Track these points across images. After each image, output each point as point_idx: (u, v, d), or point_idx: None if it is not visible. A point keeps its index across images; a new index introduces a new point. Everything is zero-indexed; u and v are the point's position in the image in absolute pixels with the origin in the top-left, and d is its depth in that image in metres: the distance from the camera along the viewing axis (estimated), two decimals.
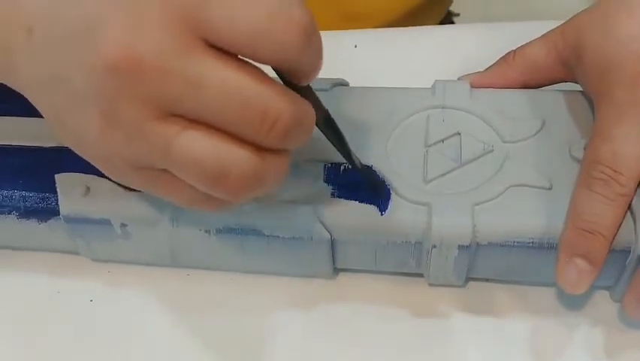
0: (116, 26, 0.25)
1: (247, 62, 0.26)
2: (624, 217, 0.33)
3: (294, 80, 0.28)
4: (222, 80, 0.25)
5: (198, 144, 0.26)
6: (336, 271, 0.39)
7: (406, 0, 0.59)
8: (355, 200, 0.36)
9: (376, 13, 0.58)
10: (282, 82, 0.28)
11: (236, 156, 0.26)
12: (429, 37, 0.51)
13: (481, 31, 0.51)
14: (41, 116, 0.30)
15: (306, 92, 0.29)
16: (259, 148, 0.27)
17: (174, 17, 0.25)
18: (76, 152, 0.30)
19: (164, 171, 0.28)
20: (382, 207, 0.35)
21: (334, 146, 0.33)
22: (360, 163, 0.35)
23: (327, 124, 0.32)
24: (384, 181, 0.36)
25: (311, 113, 0.28)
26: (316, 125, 0.31)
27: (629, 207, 0.34)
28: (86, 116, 0.27)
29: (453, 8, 0.74)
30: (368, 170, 0.36)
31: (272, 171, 0.28)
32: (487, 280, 0.38)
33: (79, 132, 0.28)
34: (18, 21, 0.28)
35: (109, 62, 0.25)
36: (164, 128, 0.26)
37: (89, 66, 0.26)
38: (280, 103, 0.26)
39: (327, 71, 0.42)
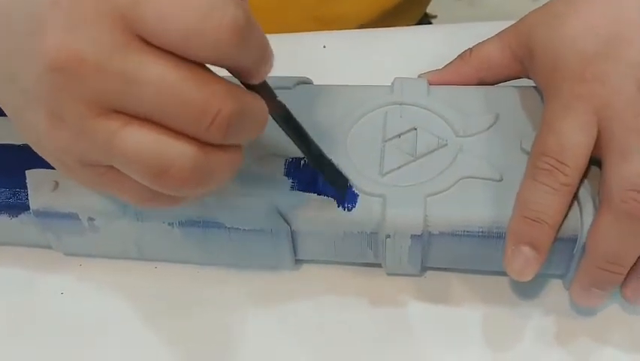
0: (55, 26, 0.26)
1: (186, 58, 0.27)
2: (570, 207, 0.35)
3: (243, 79, 0.29)
4: (160, 76, 0.26)
5: (139, 139, 0.27)
6: (298, 262, 0.40)
7: (379, 3, 0.61)
8: (314, 193, 0.37)
9: (350, 16, 0.60)
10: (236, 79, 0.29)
11: (177, 151, 0.27)
12: (395, 37, 0.53)
13: (446, 32, 0.52)
14: None
15: (261, 89, 0.30)
16: (203, 143, 0.27)
17: (110, 16, 0.26)
18: (34, 149, 0.31)
19: (111, 168, 0.29)
20: (342, 202, 0.36)
21: (294, 142, 0.34)
22: (325, 158, 0.35)
23: (286, 120, 0.33)
24: (346, 178, 0.37)
25: (258, 105, 0.29)
26: (275, 121, 0.32)
27: (576, 196, 0.35)
28: (36, 114, 0.28)
29: (431, 10, 0.75)
30: (330, 166, 0.36)
31: (218, 167, 0.28)
32: (443, 269, 0.39)
33: (31, 130, 0.29)
34: None
35: (50, 62, 0.26)
36: (105, 124, 0.27)
37: (33, 65, 0.27)
38: (220, 98, 0.26)
39: (296, 70, 0.43)
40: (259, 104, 0.29)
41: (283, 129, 0.33)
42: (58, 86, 0.26)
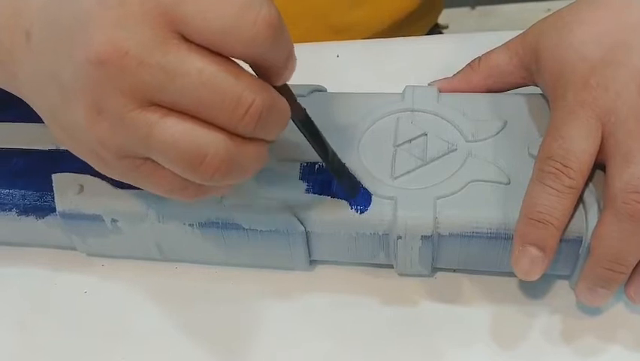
0: (101, 24, 0.27)
1: (222, 54, 0.28)
2: (576, 209, 0.36)
3: (269, 78, 0.30)
4: (198, 70, 0.28)
5: (176, 129, 0.28)
6: (313, 263, 0.41)
7: (390, 13, 0.62)
8: (328, 196, 0.38)
9: (361, 25, 0.61)
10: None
11: (213, 140, 0.29)
12: (406, 46, 0.54)
13: (456, 41, 0.53)
14: (38, 122, 0.33)
15: (283, 91, 0.31)
16: (235, 135, 0.29)
17: (153, 13, 0.27)
18: (68, 148, 0.33)
19: (147, 159, 0.31)
20: (353, 203, 0.38)
21: (311, 145, 0.35)
22: (340, 162, 0.37)
23: (305, 123, 0.34)
24: (358, 182, 0.38)
25: (284, 103, 0.31)
26: (294, 123, 0.33)
27: (581, 199, 0.36)
28: (75, 109, 0.29)
29: (442, 21, 0.77)
30: (344, 170, 0.38)
31: (247, 157, 0.30)
32: (453, 270, 0.40)
33: (69, 126, 0.31)
34: (17, 27, 0.31)
35: (94, 56, 0.27)
36: (145, 116, 0.28)
37: (76, 61, 0.28)
38: (253, 91, 0.28)
39: (311, 79, 0.45)
40: (284, 103, 0.31)
41: (301, 131, 0.34)
42: (100, 79, 0.28)
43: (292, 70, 0.31)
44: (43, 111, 0.32)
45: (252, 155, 0.31)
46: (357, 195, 0.38)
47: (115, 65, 0.27)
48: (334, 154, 0.36)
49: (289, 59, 0.30)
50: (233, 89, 0.28)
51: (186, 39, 0.28)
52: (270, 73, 0.30)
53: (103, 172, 0.33)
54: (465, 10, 1.18)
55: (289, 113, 0.31)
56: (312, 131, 0.35)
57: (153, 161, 0.30)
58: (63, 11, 0.29)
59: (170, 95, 0.28)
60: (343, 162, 0.39)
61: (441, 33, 0.76)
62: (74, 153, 0.33)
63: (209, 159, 0.29)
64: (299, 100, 0.33)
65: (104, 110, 0.29)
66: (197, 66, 0.28)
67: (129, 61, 0.27)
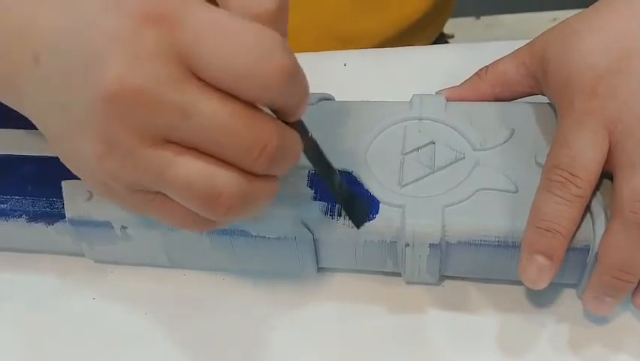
0: (115, 59, 0.27)
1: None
2: (583, 217, 0.36)
3: (282, 116, 0.30)
4: (213, 112, 0.27)
5: (191, 169, 0.28)
6: (320, 270, 0.42)
7: (396, 23, 0.62)
8: (336, 204, 0.39)
9: (368, 35, 0.62)
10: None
11: (227, 179, 0.29)
12: (413, 55, 0.55)
13: (463, 51, 0.54)
14: None
15: (296, 124, 0.31)
16: (248, 173, 0.29)
17: (169, 52, 0.27)
18: (76, 174, 0.32)
19: (159, 193, 0.30)
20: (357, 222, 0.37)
21: (319, 173, 0.35)
22: (348, 191, 0.36)
23: (315, 154, 0.34)
24: (366, 212, 0.38)
25: (297, 141, 0.31)
26: (305, 154, 0.33)
27: (589, 208, 0.36)
28: (85, 142, 0.29)
29: (448, 31, 0.77)
30: (352, 199, 0.36)
31: (260, 195, 0.30)
32: (460, 278, 0.41)
33: (78, 157, 0.30)
34: (25, 48, 0.30)
35: (108, 93, 0.27)
36: (159, 154, 0.28)
37: (89, 95, 0.28)
38: (268, 132, 0.28)
39: (319, 87, 0.45)
40: (297, 140, 0.31)
41: (310, 161, 0.34)
42: (113, 115, 0.28)
43: (304, 110, 0.31)
44: (49, 136, 0.32)
45: (265, 190, 0.31)
46: (362, 225, 0.37)
47: (128, 103, 0.27)
48: (341, 184, 0.36)
49: (302, 102, 0.30)
50: (248, 130, 0.28)
51: (200, 78, 0.28)
52: (283, 112, 0.30)
53: (114, 201, 0.33)
54: (470, 19, 1.19)
55: (300, 149, 0.31)
56: (321, 161, 0.35)
57: (165, 195, 0.30)
58: (76, 41, 0.28)
59: (184, 134, 0.28)
60: (351, 169, 0.39)
61: (446, 42, 0.77)
62: (82, 180, 0.33)
63: (223, 199, 0.29)
64: (307, 108, 0.33)
65: (116, 146, 0.28)
66: (212, 107, 0.28)
67: (143, 99, 0.27)
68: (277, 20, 0.29)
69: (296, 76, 0.28)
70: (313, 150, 0.34)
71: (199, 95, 0.27)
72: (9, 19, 0.31)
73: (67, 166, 0.32)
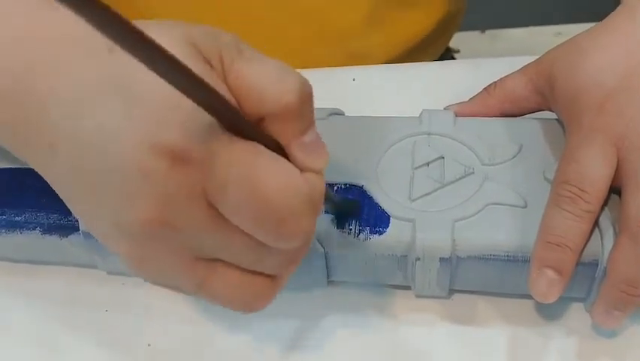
0: (147, 199, 0.27)
1: None
2: (592, 232, 0.37)
3: None
4: (243, 242, 0.29)
5: (226, 284, 0.30)
6: (331, 283, 0.42)
7: (404, 39, 0.63)
8: (347, 217, 0.39)
9: (377, 51, 0.62)
10: None
11: (262, 287, 0.31)
12: (421, 71, 0.55)
13: (471, 66, 0.54)
14: None
15: None
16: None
17: (199, 197, 0.27)
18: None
19: None
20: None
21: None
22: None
23: None
24: (356, 201, 0.39)
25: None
26: None
27: (597, 223, 0.37)
28: (117, 247, 0.29)
29: (454, 45, 0.78)
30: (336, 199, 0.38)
31: (284, 284, 0.33)
32: (469, 291, 0.41)
33: (109, 245, 0.30)
34: (41, 130, 0.28)
35: (140, 223, 0.27)
36: (193, 272, 0.29)
37: (121, 221, 0.28)
38: (295, 255, 0.31)
39: (327, 102, 0.46)
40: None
41: None
42: (144, 243, 0.28)
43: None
44: (73, 210, 0.31)
45: (290, 273, 0.33)
46: (359, 212, 0.39)
47: (164, 236, 0.28)
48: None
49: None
50: (277, 253, 0.30)
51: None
52: None
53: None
54: (475, 33, 1.20)
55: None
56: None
57: None
58: (96, 151, 0.27)
59: (218, 256, 0.30)
60: (361, 183, 0.40)
61: (453, 57, 0.77)
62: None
63: (259, 302, 0.31)
64: (317, 122, 0.34)
65: (148, 263, 0.29)
66: (243, 240, 0.28)
67: (178, 234, 0.28)
68: (300, 113, 0.29)
69: (314, 226, 0.29)
70: None
71: (229, 232, 0.28)
72: (27, 91, 0.29)
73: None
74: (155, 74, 0.23)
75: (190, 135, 0.26)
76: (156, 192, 0.27)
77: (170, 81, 0.23)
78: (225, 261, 0.30)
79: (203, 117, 0.26)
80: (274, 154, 0.28)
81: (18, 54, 0.29)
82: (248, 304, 0.31)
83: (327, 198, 0.36)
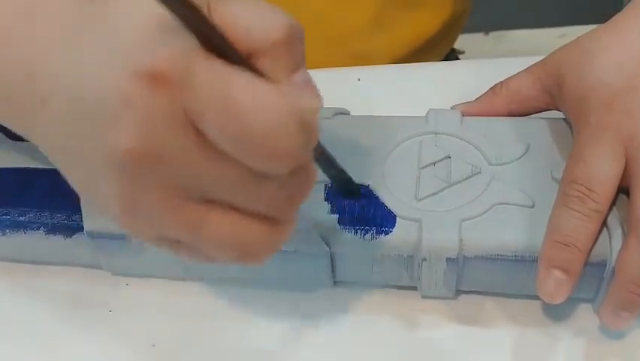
0: (128, 125, 0.26)
1: None
2: (600, 232, 0.36)
3: None
4: (232, 174, 0.27)
5: (222, 227, 0.28)
6: (336, 283, 0.42)
7: (409, 39, 0.63)
8: (353, 217, 0.39)
9: (381, 52, 0.62)
10: None
11: (258, 232, 0.29)
12: (426, 72, 0.55)
13: (477, 66, 0.54)
14: None
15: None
16: (273, 220, 0.29)
17: (181, 118, 0.26)
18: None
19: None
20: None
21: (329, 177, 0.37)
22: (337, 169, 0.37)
23: (324, 160, 0.35)
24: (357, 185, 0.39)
25: (313, 177, 0.30)
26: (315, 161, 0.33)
27: (605, 222, 0.37)
28: (108, 196, 0.28)
29: (459, 46, 0.78)
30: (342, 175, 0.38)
31: (286, 233, 0.30)
32: (476, 292, 0.41)
33: (101, 205, 0.29)
34: (31, 90, 0.29)
35: (125, 159, 0.26)
36: (186, 214, 0.28)
37: (106, 155, 0.27)
38: (293, 190, 0.29)
39: (333, 101, 0.45)
40: (313, 177, 0.30)
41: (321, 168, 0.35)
42: (134, 177, 0.27)
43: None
44: (64, 172, 0.31)
45: (290, 228, 0.31)
46: (358, 193, 0.39)
47: (147, 167, 0.27)
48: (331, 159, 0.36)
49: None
50: (272, 186, 0.28)
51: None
52: None
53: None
54: (479, 35, 1.19)
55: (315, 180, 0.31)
56: (329, 164, 0.36)
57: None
58: (85, 92, 0.27)
59: (207, 194, 0.28)
60: (368, 183, 0.40)
61: (457, 58, 0.77)
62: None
63: (255, 250, 0.29)
64: (323, 122, 0.34)
65: (140, 205, 0.28)
66: (233, 169, 0.27)
67: (161, 164, 0.27)
68: (289, 50, 0.28)
69: (303, 150, 0.27)
70: (322, 157, 0.34)
71: (217, 159, 0.27)
72: (15, 56, 0.30)
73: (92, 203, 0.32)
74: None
75: (170, 58, 0.26)
76: (138, 117, 0.26)
77: None
78: (219, 202, 0.28)
79: (184, 42, 0.26)
80: (254, 75, 0.26)
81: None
82: (245, 250, 0.29)
83: (330, 163, 0.36)
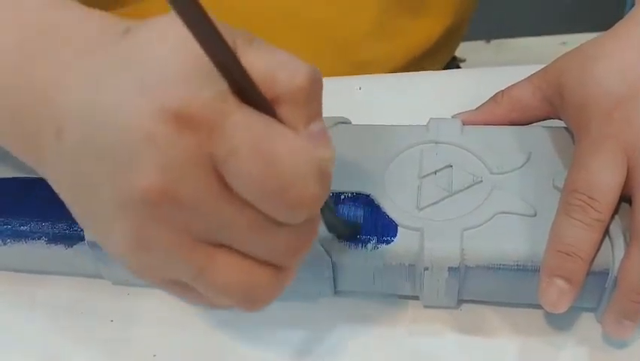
0: (149, 163, 0.26)
1: None
2: (602, 241, 0.36)
3: None
4: (249, 220, 0.27)
5: (228, 272, 0.28)
6: (338, 293, 0.42)
7: (410, 48, 0.63)
8: (354, 226, 0.39)
9: (382, 60, 0.62)
10: None
11: (264, 279, 0.29)
12: (427, 80, 0.55)
13: (477, 75, 0.54)
14: None
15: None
16: (280, 267, 0.29)
17: (206, 164, 0.26)
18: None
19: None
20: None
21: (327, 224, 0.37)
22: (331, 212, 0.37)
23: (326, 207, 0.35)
24: (356, 226, 0.39)
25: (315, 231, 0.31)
26: None
27: (607, 231, 0.36)
28: (117, 233, 0.28)
29: (459, 54, 0.78)
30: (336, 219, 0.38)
31: (289, 280, 0.31)
32: (478, 301, 0.41)
33: (108, 242, 0.29)
34: (47, 118, 0.28)
35: (142, 198, 0.26)
36: (194, 257, 0.28)
37: (121, 191, 0.27)
38: (301, 240, 0.29)
39: (334, 110, 0.45)
40: (315, 230, 0.31)
41: None
42: (147, 216, 0.27)
43: None
44: (71, 207, 0.30)
45: (293, 274, 0.31)
46: (356, 235, 0.38)
47: (164, 209, 0.26)
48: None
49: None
50: (284, 237, 0.28)
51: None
52: None
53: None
54: (480, 43, 1.20)
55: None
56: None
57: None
58: (104, 125, 0.27)
59: (220, 239, 0.28)
60: (369, 192, 0.40)
61: (458, 66, 0.77)
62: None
63: (259, 296, 0.29)
64: None
65: (150, 245, 0.28)
66: (248, 218, 0.27)
67: (181, 206, 0.26)
68: (310, 98, 0.28)
69: (322, 199, 0.28)
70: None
71: (235, 206, 0.27)
72: (32, 78, 0.29)
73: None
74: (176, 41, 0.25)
75: (200, 101, 0.25)
76: (160, 157, 0.25)
77: (199, 36, 0.24)
78: (228, 247, 0.28)
79: (215, 86, 0.26)
80: (283, 125, 0.27)
81: (21, 46, 0.29)
82: (249, 296, 0.29)
83: (329, 209, 0.36)
